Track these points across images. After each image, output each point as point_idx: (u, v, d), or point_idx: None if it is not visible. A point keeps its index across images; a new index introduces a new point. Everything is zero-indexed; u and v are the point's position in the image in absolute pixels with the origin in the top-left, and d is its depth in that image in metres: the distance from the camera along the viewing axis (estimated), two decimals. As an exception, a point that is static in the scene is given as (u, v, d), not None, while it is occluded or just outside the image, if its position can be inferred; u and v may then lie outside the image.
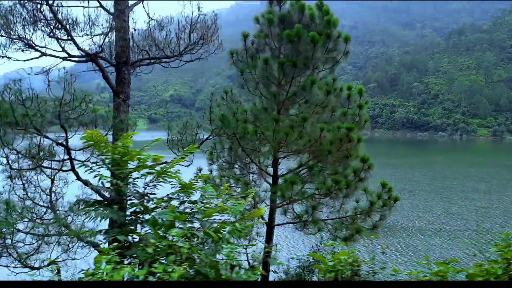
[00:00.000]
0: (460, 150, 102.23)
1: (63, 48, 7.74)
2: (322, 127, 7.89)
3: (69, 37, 6.93)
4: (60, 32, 6.96)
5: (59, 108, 6.52)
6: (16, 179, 8.11)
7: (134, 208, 3.51)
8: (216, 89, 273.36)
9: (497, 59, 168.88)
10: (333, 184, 7.73)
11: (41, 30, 6.79)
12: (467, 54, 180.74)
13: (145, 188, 3.60)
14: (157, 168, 3.79)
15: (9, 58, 6.80)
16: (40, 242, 6.55)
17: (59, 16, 7.19)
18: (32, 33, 7.21)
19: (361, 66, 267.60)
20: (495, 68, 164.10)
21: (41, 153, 6.58)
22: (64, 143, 6.62)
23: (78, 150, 6.90)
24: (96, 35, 8.22)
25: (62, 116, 6.62)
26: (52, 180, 8.09)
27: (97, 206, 3.52)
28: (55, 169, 7.08)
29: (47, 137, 6.63)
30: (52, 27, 6.82)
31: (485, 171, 57.04)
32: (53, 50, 7.87)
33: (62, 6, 6.87)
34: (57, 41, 7.56)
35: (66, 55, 7.84)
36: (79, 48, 7.16)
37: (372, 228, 8.21)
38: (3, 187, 7.81)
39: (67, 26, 6.93)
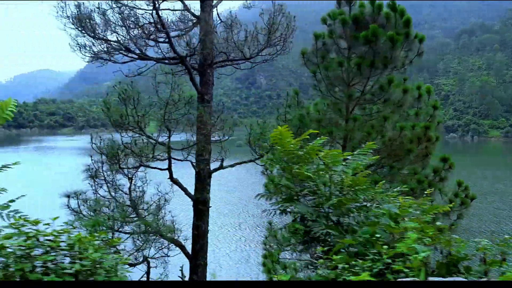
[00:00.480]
0: (472, 151, 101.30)
1: (142, 51, 7.90)
2: (402, 125, 7.94)
3: (167, 40, 7.06)
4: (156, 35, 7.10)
5: (165, 109, 6.65)
6: (95, 178, 8.27)
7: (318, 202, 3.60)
8: (225, 91, 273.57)
9: (509, 59, 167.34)
10: (417, 184, 7.78)
11: (141, 33, 6.92)
12: (477, 55, 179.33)
13: (328, 184, 3.68)
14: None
15: (109, 60, 6.95)
16: (144, 239, 6.67)
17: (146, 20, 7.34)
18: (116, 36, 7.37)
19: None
20: (507, 69, 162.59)
21: (152, 152, 6.70)
22: (165, 142, 6.75)
23: (180, 150, 7.02)
24: (173, 36, 8.36)
25: (166, 117, 6.75)
26: (131, 179, 8.25)
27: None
28: (154, 168, 7.21)
29: (150, 137, 6.77)
30: (151, 30, 6.97)
31: (499, 172, 56.46)
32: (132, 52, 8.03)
33: (167, 9, 7.01)
34: (133, 44, 7.70)
35: (140, 56, 7.99)
36: (174, 51, 7.29)
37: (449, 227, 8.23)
38: (92, 187, 7.97)
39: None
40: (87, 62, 7.30)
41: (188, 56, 7.65)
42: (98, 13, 6.75)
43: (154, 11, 6.82)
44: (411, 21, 8.54)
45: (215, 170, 7.91)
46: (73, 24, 6.76)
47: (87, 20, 6.64)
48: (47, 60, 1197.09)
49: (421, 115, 8.84)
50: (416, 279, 2.32)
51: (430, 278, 2.43)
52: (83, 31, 6.75)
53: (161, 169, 7.29)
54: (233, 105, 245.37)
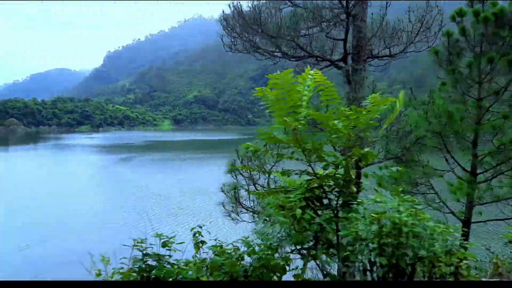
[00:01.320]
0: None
1: (306, 49, 7.90)
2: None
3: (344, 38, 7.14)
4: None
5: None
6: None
7: None
8: (238, 91, 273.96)
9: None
10: None
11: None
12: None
13: None
14: None
15: (285, 58, 7.03)
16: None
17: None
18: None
19: (382, 68, 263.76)
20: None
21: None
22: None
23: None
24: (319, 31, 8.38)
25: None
26: (269, 174, 8.32)
27: None
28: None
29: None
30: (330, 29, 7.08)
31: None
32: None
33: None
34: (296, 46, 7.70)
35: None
36: (345, 49, 7.36)
37: None
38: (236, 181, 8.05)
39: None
40: (259, 59, 7.37)
41: (350, 54, 7.68)
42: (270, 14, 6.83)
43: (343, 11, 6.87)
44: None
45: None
46: (247, 26, 6.85)
47: (265, 21, 6.72)
48: (63, 59, 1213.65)
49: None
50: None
51: None
52: (260, 32, 6.84)
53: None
54: (247, 105, 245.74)
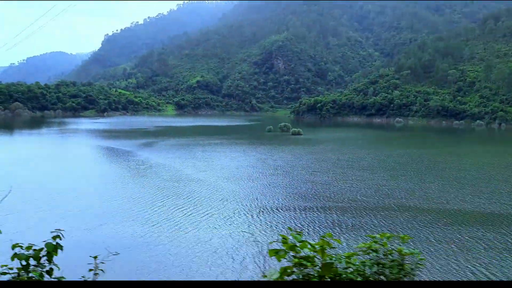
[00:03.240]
0: (500, 139, 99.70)
1: None
2: None
3: None
4: None
5: None
6: None
7: None
8: (242, 76, 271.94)
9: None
10: None
11: None
12: (503, 41, 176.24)
13: None
14: None
15: None
16: None
17: None
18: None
19: (388, 53, 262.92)
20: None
21: None
22: None
23: None
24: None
25: None
26: None
27: None
28: None
29: None
30: None
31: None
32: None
33: None
34: None
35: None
36: None
37: None
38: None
39: None
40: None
41: None
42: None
43: None
44: None
45: None
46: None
47: None
48: (58, 42, 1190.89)
49: None
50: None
51: None
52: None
53: None
54: (251, 90, 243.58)
